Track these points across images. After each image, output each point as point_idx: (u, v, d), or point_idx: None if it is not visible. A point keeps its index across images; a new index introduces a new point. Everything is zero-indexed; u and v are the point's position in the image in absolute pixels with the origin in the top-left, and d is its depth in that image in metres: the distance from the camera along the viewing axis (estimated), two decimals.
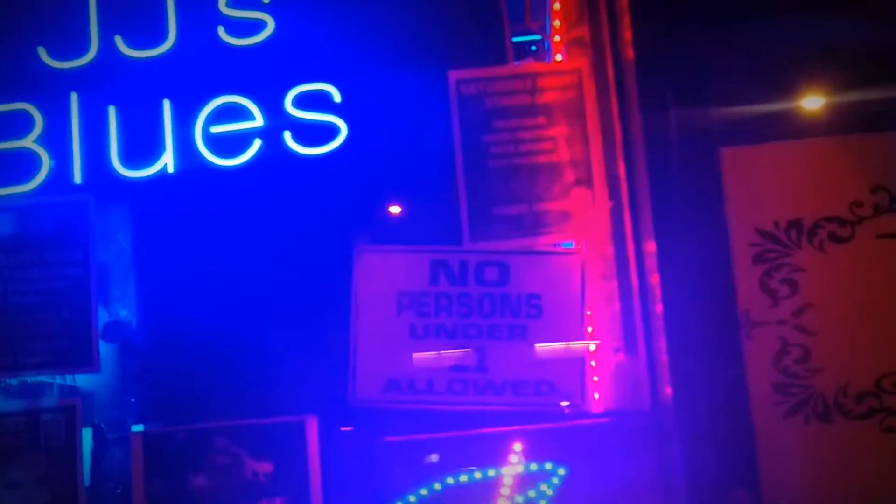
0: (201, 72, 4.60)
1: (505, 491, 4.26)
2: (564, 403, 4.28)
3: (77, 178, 4.59)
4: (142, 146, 4.56)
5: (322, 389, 4.41)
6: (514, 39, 4.75)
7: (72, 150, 4.60)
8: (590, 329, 4.39)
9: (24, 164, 4.53)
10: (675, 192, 4.20)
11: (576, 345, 4.30)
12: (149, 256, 4.70)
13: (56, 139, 4.59)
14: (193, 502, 4.25)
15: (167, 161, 4.57)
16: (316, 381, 4.42)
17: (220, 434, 4.30)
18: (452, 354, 4.37)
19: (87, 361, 4.43)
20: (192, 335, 4.50)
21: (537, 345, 4.33)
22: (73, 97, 4.63)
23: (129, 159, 4.58)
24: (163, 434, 4.36)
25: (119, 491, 4.48)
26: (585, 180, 4.37)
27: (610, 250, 4.43)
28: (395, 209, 4.83)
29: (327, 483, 4.28)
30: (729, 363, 4.09)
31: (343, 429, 4.41)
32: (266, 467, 4.27)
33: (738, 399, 4.06)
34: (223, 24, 4.61)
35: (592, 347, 4.38)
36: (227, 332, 4.49)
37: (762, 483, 3.98)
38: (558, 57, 4.55)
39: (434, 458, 4.30)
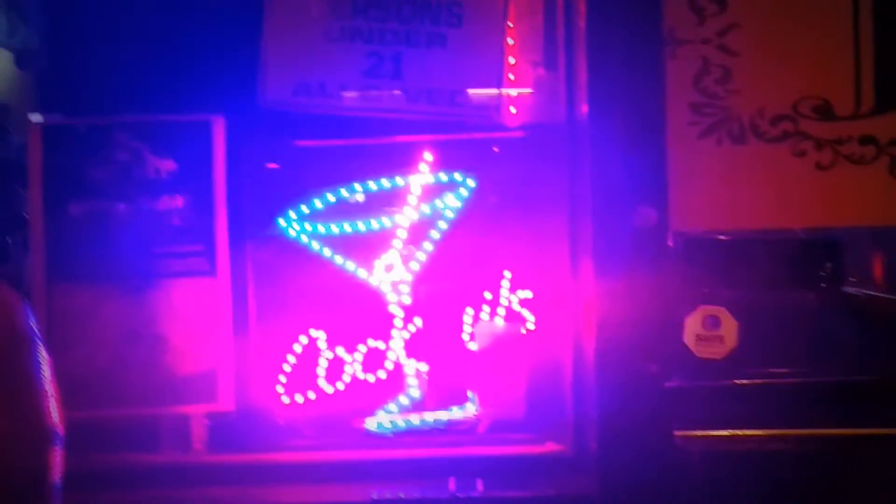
0: None
1: (412, 200, 4.22)
2: None
3: None
4: None
5: (230, 89, 4.21)
6: None
7: None
8: (510, 42, 4.24)
9: None
10: None
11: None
12: None
13: None
14: (93, 196, 4.13)
15: None
16: (224, 81, 4.21)
17: (123, 129, 4.13)
18: (367, 59, 4.19)
19: None
20: (100, 19, 4.23)
21: None
22: None
23: None
24: (62, 126, 4.17)
25: (21, 189, 4.29)
26: None
27: None
28: None
29: (232, 185, 4.16)
30: (649, 82, 3.92)
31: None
32: (169, 165, 4.13)
33: (654, 119, 3.95)
34: None
35: (512, 61, 4.24)
36: (135, 20, 4.24)
37: (670, 201, 3.92)
38: None
39: None
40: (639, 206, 3.89)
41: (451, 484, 3.86)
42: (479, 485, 3.87)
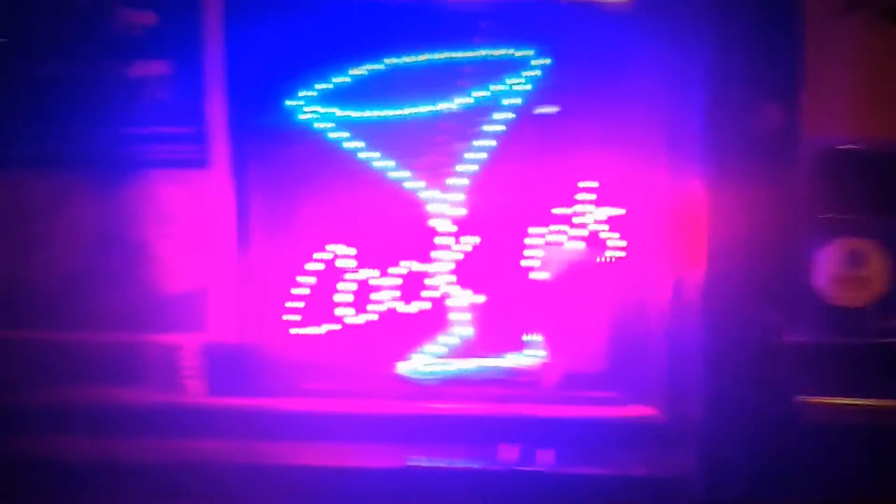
0: None
1: (465, 81, 3.62)
2: None
3: None
4: None
5: None
6: None
7: None
8: None
9: None
10: None
11: None
12: None
13: None
14: (49, 57, 3.66)
15: None
16: None
17: None
18: None
19: None
20: None
21: None
22: None
23: None
24: None
25: None
26: None
27: None
28: None
29: (231, 50, 3.57)
30: None
31: None
32: (148, 19, 3.60)
33: None
34: None
35: None
36: None
37: (804, 98, 3.31)
38: None
39: None
40: (764, 103, 3.36)
41: (507, 452, 3.40)
42: (545, 456, 3.39)
